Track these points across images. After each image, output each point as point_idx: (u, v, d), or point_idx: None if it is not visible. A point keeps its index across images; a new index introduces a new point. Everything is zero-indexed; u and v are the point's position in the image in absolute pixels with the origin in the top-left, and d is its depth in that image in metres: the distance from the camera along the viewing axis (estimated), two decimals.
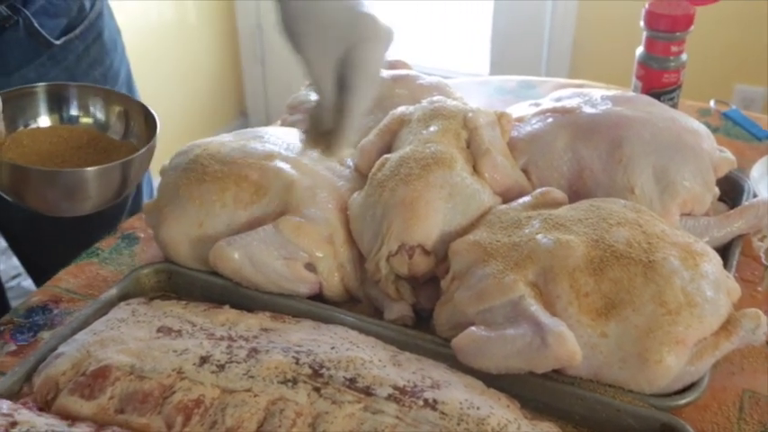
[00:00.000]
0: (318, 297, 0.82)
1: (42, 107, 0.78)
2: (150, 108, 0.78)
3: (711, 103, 1.27)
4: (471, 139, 0.85)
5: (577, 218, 0.76)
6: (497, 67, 2.72)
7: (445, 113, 0.86)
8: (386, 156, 0.84)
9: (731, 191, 0.96)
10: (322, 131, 0.76)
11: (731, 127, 1.20)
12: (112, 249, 0.94)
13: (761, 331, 0.70)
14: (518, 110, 0.98)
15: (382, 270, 0.79)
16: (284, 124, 1.02)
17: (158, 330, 0.73)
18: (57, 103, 0.78)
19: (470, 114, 0.86)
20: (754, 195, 0.96)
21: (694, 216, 0.86)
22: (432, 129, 0.84)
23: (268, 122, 0.93)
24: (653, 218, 0.77)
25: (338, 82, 0.73)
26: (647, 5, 1.11)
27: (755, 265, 0.90)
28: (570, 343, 0.65)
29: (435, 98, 0.91)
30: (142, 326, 0.73)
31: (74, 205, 0.72)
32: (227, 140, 0.89)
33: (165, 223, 0.83)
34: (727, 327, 0.70)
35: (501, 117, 0.90)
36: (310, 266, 0.81)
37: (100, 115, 0.80)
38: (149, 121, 0.78)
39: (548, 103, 0.97)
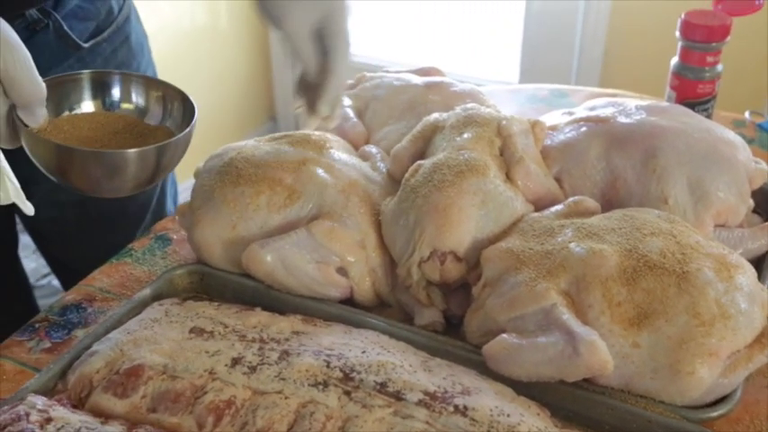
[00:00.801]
0: (349, 301, 0.82)
1: (85, 93, 0.80)
2: (189, 95, 0.80)
3: (746, 114, 1.26)
4: (505, 146, 0.85)
5: (610, 227, 0.76)
6: (527, 75, 2.71)
7: (479, 121, 0.86)
8: (419, 162, 0.84)
9: (766, 203, 0.95)
10: (308, 95, 0.86)
11: (766, 138, 1.19)
12: (146, 250, 0.95)
13: None
14: (551, 118, 0.97)
15: (414, 276, 0.79)
16: (317, 130, 1.02)
17: (191, 331, 0.73)
18: (99, 90, 0.80)
19: (504, 122, 0.86)
20: None
21: (728, 227, 0.85)
22: (465, 136, 0.85)
23: (297, 128, 0.94)
24: (687, 228, 0.76)
25: (317, 48, 0.84)
26: (683, 15, 1.11)
27: None
28: (602, 352, 0.65)
29: (469, 105, 0.91)
30: (175, 326, 0.74)
31: (114, 186, 0.74)
32: (262, 144, 0.89)
33: (199, 225, 0.84)
34: (761, 339, 0.70)
35: (534, 125, 0.90)
36: (342, 271, 0.81)
37: (140, 101, 0.81)
38: (187, 108, 0.80)
39: (581, 111, 0.96)
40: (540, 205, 0.84)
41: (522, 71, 2.74)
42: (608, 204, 0.85)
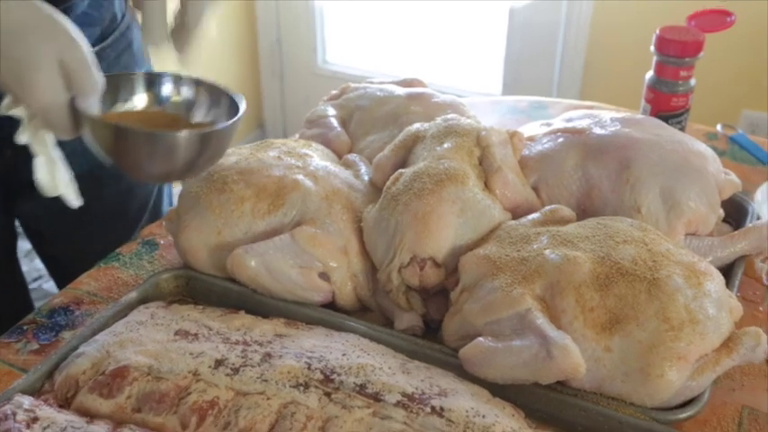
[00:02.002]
0: (331, 305, 0.82)
1: (137, 90, 0.82)
2: (235, 93, 0.82)
3: (718, 127, 1.27)
4: (484, 156, 0.86)
5: (585, 235, 0.76)
6: (510, 88, 2.73)
7: (459, 131, 0.87)
8: (400, 170, 0.85)
9: (735, 213, 0.96)
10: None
11: (737, 151, 1.21)
12: (133, 255, 0.96)
13: (761, 349, 0.70)
14: (530, 129, 0.98)
15: (394, 281, 0.80)
16: (303, 138, 1.03)
17: (176, 333, 0.74)
18: (150, 87, 0.83)
19: (483, 132, 0.87)
20: (758, 218, 0.97)
21: (699, 236, 0.86)
22: (445, 145, 0.85)
23: (285, 135, 0.95)
24: (658, 237, 0.77)
25: None
26: (658, 31, 1.12)
27: (757, 286, 0.90)
28: (575, 356, 0.66)
29: (450, 116, 0.91)
30: (160, 329, 0.74)
31: (164, 169, 0.76)
32: (247, 151, 0.90)
33: (185, 231, 0.84)
34: (729, 344, 0.70)
35: (513, 136, 0.90)
36: (324, 276, 0.82)
37: (188, 98, 0.83)
38: (233, 105, 0.81)
39: (559, 123, 0.97)
40: (517, 213, 0.85)
41: (505, 84, 2.76)
42: (583, 213, 0.86)
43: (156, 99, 0.83)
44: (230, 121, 0.77)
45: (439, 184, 0.80)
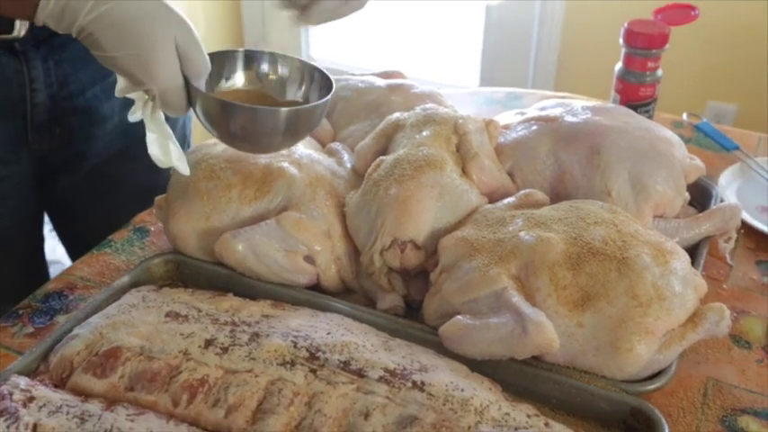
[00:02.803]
0: (316, 287, 0.82)
1: (238, 66, 0.86)
2: (325, 70, 0.86)
3: (684, 116, 1.28)
4: (461, 143, 0.86)
5: (558, 217, 0.77)
6: (487, 80, 2.73)
7: (437, 120, 0.87)
8: (381, 157, 0.85)
9: (700, 196, 0.97)
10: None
11: (702, 138, 1.22)
12: (125, 241, 0.95)
13: (724, 324, 0.71)
14: (505, 118, 0.99)
15: (376, 263, 0.80)
16: None
17: (167, 315, 0.73)
18: (250, 64, 0.86)
19: (460, 121, 0.87)
20: (722, 200, 0.98)
21: (666, 218, 0.87)
22: (424, 133, 0.85)
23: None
24: (627, 218, 0.78)
25: None
26: (626, 24, 1.12)
27: (721, 265, 0.91)
28: (549, 331, 0.66)
29: (428, 105, 0.91)
30: (152, 311, 0.74)
31: (266, 141, 0.79)
32: None
33: (175, 217, 0.84)
34: (694, 319, 0.71)
35: (489, 124, 0.91)
36: (309, 259, 0.81)
37: (283, 74, 0.87)
38: (325, 83, 0.85)
39: (532, 111, 0.98)
40: (493, 198, 0.85)
41: (482, 77, 2.76)
42: (556, 197, 0.87)
43: (256, 76, 0.86)
44: (323, 100, 0.80)
45: (418, 170, 0.81)
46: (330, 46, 3.08)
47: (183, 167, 0.80)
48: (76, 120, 1.02)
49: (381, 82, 1.07)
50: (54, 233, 1.26)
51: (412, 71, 1.16)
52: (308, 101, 0.86)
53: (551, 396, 0.70)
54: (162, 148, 0.79)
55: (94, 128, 1.04)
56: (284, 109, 0.78)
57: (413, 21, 2.88)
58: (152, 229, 0.97)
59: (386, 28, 2.95)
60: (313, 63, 0.87)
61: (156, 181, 1.08)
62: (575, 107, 0.95)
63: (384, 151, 0.88)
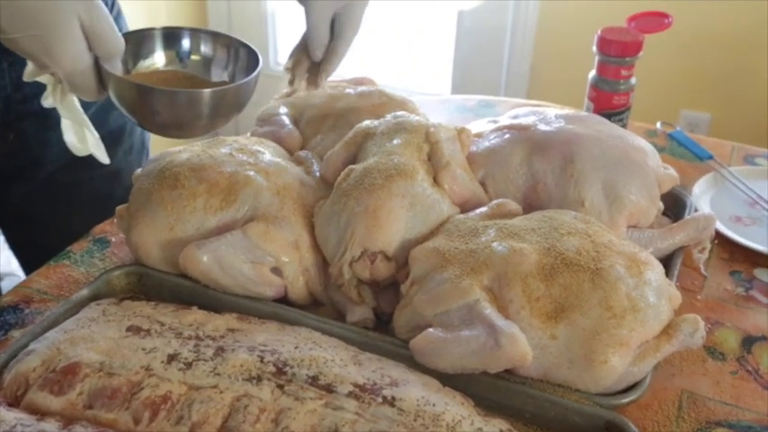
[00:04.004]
0: (284, 300, 0.82)
1: (157, 46, 0.84)
2: (253, 46, 0.84)
3: (658, 124, 1.30)
4: (432, 152, 0.86)
5: (531, 227, 0.77)
6: (459, 89, 2.75)
7: (408, 128, 0.88)
8: (351, 166, 0.85)
9: (674, 206, 0.98)
10: (305, 67, 0.97)
11: (676, 147, 1.23)
12: (84, 252, 0.94)
13: (699, 335, 0.72)
14: (477, 126, 0.99)
15: (345, 275, 0.80)
16: (254, 135, 1.02)
17: (128, 329, 0.72)
18: (170, 43, 0.84)
19: (432, 129, 0.87)
20: (696, 210, 0.99)
21: (640, 228, 0.88)
22: (395, 142, 0.86)
23: (237, 135, 0.96)
24: (601, 228, 0.78)
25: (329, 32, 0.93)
26: (599, 32, 1.14)
27: (695, 275, 0.92)
28: (522, 344, 0.67)
29: (399, 113, 0.92)
30: (112, 325, 0.73)
31: (187, 124, 0.78)
32: (198, 148, 0.89)
33: (137, 227, 0.83)
34: (668, 331, 0.72)
35: (461, 132, 0.91)
36: (276, 270, 0.81)
37: (207, 53, 0.86)
38: (252, 59, 0.83)
39: (505, 120, 0.98)
40: (465, 207, 0.85)
41: (454, 85, 2.78)
42: (529, 207, 0.87)
43: (177, 55, 0.85)
44: (249, 78, 0.79)
45: (389, 180, 0.81)
46: None
47: (102, 156, 0.79)
48: (31, 124, 1.00)
49: (351, 89, 1.07)
50: (7, 244, 1.24)
51: (382, 78, 1.17)
52: (235, 81, 0.84)
53: (525, 410, 0.70)
54: (78, 135, 0.77)
55: (49, 133, 1.02)
56: (207, 91, 0.76)
57: (383, 26, 2.89)
58: (113, 239, 0.96)
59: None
60: (239, 39, 0.85)
61: (115, 190, 1.07)
62: (548, 115, 0.96)
63: (354, 160, 0.88)
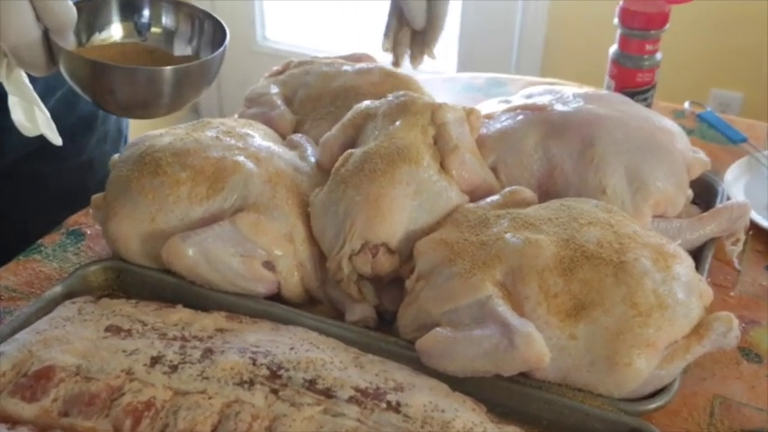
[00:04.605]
0: (277, 297, 0.82)
1: (113, 16, 0.83)
2: (219, 18, 0.83)
3: (686, 104, 1.30)
4: (439, 135, 0.86)
5: (547, 217, 0.78)
6: (465, 66, 2.75)
7: (412, 109, 0.88)
8: (350, 151, 0.85)
9: (704, 193, 0.99)
10: (407, 42, 1.02)
11: (706, 129, 1.24)
12: (56, 246, 0.94)
13: (732, 335, 0.72)
14: (487, 107, 0.99)
15: (344, 269, 0.80)
16: (243, 117, 1.03)
17: (106, 330, 0.73)
18: (127, 13, 0.84)
19: (438, 110, 0.88)
20: (728, 198, 0.99)
21: (667, 218, 0.88)
22: (398, 124, 0.86)
23: (222, 116, 0.96)
24: (625, 218, 0.79)
25: None
26: (621, 3, 1.14)
27: (728, 270, 0.93)
28: (538, 344, 0.67)
29: (402, 92, 0.92)
30: (89, 325, 0.74)
31: (147, 104, 0.78)
32: (182, 132, 0.89)
33: (115, 218, 0.83)
34: (699, 330, 0.72)
35: (470, 113, 0.91)
36: (268, 265, 0.81)
37: (168, 24, 0.85)
38: (218, 32, 0.83)
39: (518, 99, 0.99)
40: (475, 196, 0.86)
41: (460, 60, 2.78)
42: (545, 195, 0.88)
43: (135, 27, 0.84)
44: (215, 53, 0.79)
45: (391, 165, 0.81)
46: (289, 26, 3.07)
47: (53, 136, 0.78)
48: None
49: (349, 66, 1.07)
50: None
51: (382, 54, 1.16)
52: (200, 56, 0.84)
53: (541, 417, 0.71)
54: (27, 114, 0.77)
55: (8, 120, 1.02)
56: (168, 68, 0.75)
57: None
58: (88, 231, 0.97)
59: (351, 6, 2.95)
60: (204, 10, 0.85)
61: (86, 182, 1.07)
62: (565, 94, 0.96)
63: (352, 144, 0.88)
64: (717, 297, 0.80)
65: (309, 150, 0.93)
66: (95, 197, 0.89)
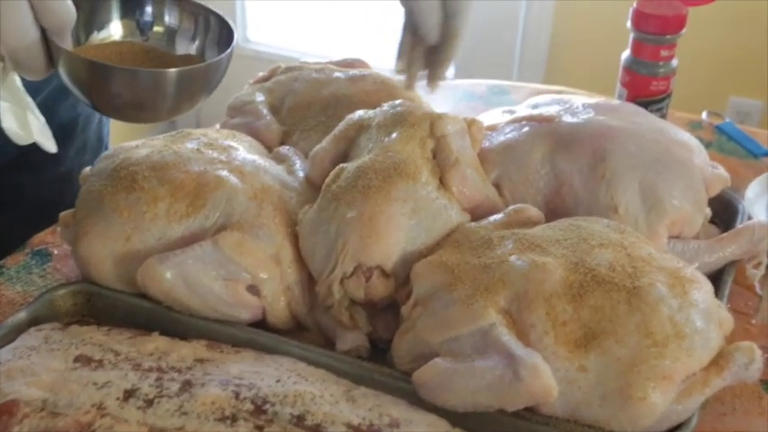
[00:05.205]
0: (262, 324, 0.82)
1: (113, 14, 0.85)
2: (227, 18, 0.85)
3: (704, 114, 1.31)
4: (438, 148, 0.87)
5: (555, 238, 0.78)
6: (463, 70, 2.75)
7: (409, 119, 0.88)
8: (342, 165, 0.85)
9: (724, 212, 0.99)
10: (421, 61, 1.01)
11: (725, 142, 1.25)
12: (20, 267, 0.94)
13: (755, 367, 0.72)
14: (490, 117, 1.00)
15: (335, 294, 0.80)
16: (225, 128, 1.03)
17: (76, 360, 0.73)
18: (128, 11, 0.85)
19: (437, 121, 0.88)
20: (749, 218, 0.99)
21: (684, 239, 0.89)
22: (394, 136, 0.86)
23: (202, 126, 0.96)
24: (639, 240, 0.79)
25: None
26: (634, 4, 1.15)
27: (749, 295, 0.93)
28: (546, 377, 0.67)
29: (398, 102, 0.92)
30: (57, 355, 0.73)
31: (148, 107, 0.79)
32: (160, 143, 0.90)
33: (86, 237, 0.83)
34: (719, 361, 0.72)
35: (471, 125, 0.91)
36: (253, 289, 0.81)
37: (171, 23, 0.86)
38: (224, 32, 0.84)
39: (523, 110, 0.99)
40: (477, 214, 0.86)
41: (458, 65, 2.78)
42: (552, 213, 0.88)
43: (137, 25, 0.85)
44: (222, 55, 0.80)
45: (387, 181, 0.81)
46: (273, 27, 3.07)
47: (49, 144, 0.79)
48: None
49: (341, 73, 1.07)
50: None
51: (376, 59, 1.17)
52: (204, 56, 0.85)
53: None
54: (20, 121, 0.77)
55: None
56: (172, 70, 0.77)
57: None
58: (55, 251, 0.97)
59: (342, 7, 2.95)
60: (210, 8, 0.86)
61: (65, 196, 1.07)
62: (574, 104, 0.97)
63: (345, 157, 0.89)
64: (737, 325, 0.80)
65: (298, 164, 0.93)
66: (64, 214, 0.89)
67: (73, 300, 0.85)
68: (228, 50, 0.81)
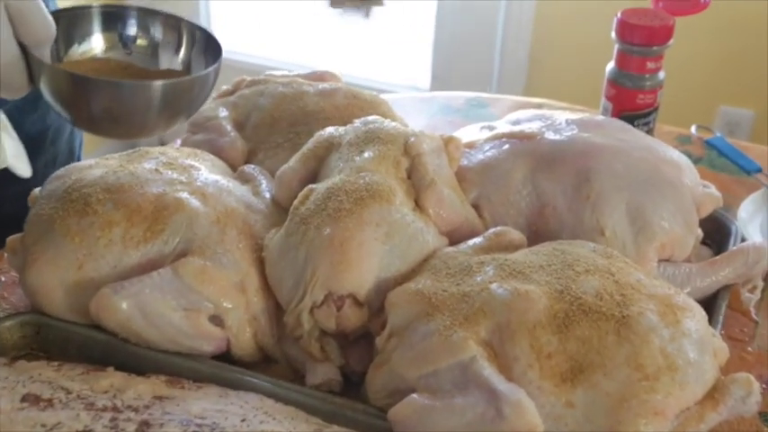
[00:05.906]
0: (226, 357, 0.82)
1: (94, 28, 0.86)
2: (212, 32, 0.86)
3: (692, 128, 1.31)
4: (413, 168, 0.87)
5: (538, 264, 0.78)
6: (440, 81, 2.77)
7: (382, 137, 0.88)
8: (311, 186, 0.85)
9: (716, 233, 1.00)
10: None
11: (715, 157, 1.25)
12: None
13: (753, 400, 0.72)
14: (469, 133, 1.00)
15: (305, 324, 0.80)
16: (186, 145, 1.02)
17: (23, 399, 0.72)
18: (110, 25, 0.86)
19: (412, 139, 0.88)
20: (743, 239, 1.00)
21: (674, 262, 0.89)
22: (366, 155, 0.86)
23: (161, 144, 0.96)
24: (627, 265, 0.79)
25: None
26: (619, 14, 1.15)
27: (745, 321, 0.93)
28: (530, 414, 0.67)
29: (371, 118, 0.92)
30: (2, 393, 0.72)
31: (131, 122, 0.80)
32: (115, 163, 0.89)
33: (35, 264, 0.82)
34: (714, 395, 0.72)
35: (448, 142, 0.92)
36: (216, 319, 0.81)
37: (155, 37, 0.88)
38: (210, 47, 0.85)
39: (503, 126, 0.99)
40: (455, 237, 0.86)
41: (434, 76, 2.79)
42: (535, 236, 0.88)
43: (119, 39, 0.86)
44: (209, 69, 0.81)
45: (359, 204, 0.81)
46: (238, 34, 3.08)
47: (23, 168, 0.80)
48: None
49: (310, 86, 1.07)
50: None
51: (347, 71, 1.17)
52: (190, 70, 0.86)
53: None
54: None
55: None
56: (158, 82, 0.78)
57: None
58: (2, 278, 0.95)
59: (312, 13, 2.96)
60: (194, 22, 0.88)
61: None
62: (557, 121, 0.97)
63: (314, 178, 0.89)
64: (733, 353, 0.80)
65: (264, 185, 0.93)
66: (11, 239, 0.88)
67: (21, 332, 0.84)
68: (216, 65, 0.81)
